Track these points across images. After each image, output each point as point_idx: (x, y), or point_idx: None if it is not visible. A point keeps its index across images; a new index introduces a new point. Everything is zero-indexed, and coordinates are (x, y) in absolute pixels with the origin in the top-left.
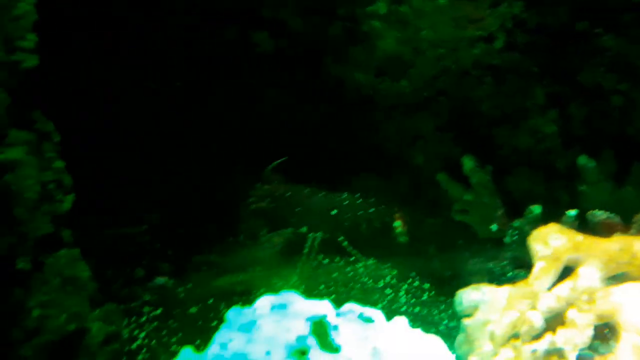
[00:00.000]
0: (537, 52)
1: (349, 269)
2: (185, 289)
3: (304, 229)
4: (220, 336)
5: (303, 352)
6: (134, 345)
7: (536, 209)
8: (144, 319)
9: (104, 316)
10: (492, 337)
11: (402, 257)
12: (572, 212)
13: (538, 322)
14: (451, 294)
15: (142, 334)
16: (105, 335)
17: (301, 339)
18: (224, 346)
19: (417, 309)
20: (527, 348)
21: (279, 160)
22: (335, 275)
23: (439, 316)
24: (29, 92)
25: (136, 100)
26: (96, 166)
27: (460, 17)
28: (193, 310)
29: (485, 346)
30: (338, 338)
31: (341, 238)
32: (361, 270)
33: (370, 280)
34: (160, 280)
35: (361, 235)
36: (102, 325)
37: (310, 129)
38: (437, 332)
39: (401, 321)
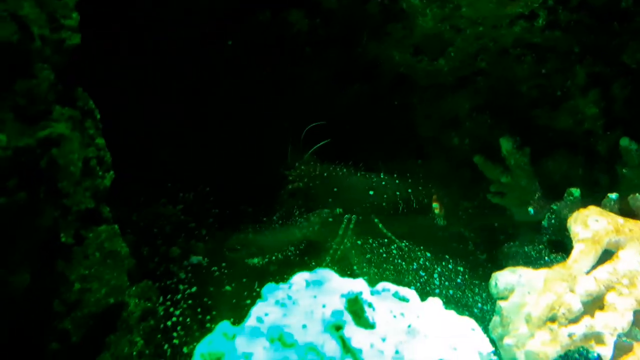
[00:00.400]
0: (580, 30)
1: (382, 250)
2: (220, 268)
3: (340, 210)
4: (257, 310)
5: (338, 328)
6: (169, 322)
7: (575, 191)
8: (179, 296)
9: (140, 293)
10: (528, 319)
11: (437, 240)
12: (613, 195)
13: (576, 305)
14: (486, 278)
15: (177, 312)
16: (142, 311)
17: (337, 314)
18: (260, 319)
19: (450, 292)
20: (564, 331)
21: (322, 143)
22: (368, 256)
23: (472, 299)
24: (72, 69)
25: (174, 79)
26: (135, 145)
27: None
28: (227, 288)
29: (521, 328)
30: (373, 315)
31: (376, 220)
32: (395, 252)
33: (404, 263)
34: (195, 259)
35: (397, 217)
36: (139, 302)
37: (346, 109)
38: (471, 315)
39: (435, 302)
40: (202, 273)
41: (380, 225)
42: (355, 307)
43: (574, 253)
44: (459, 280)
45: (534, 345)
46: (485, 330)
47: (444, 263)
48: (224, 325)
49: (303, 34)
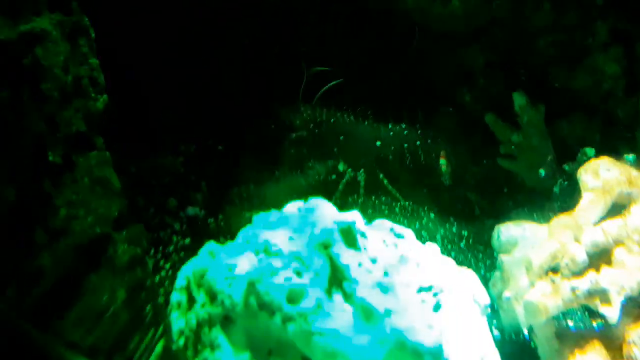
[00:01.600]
0: None
1: (385, 207)
2: (216, 220)
3: (344, 165)
4: (244, 231)
5: (327, 246)
6: (158, 277)
7: (590, 151)
8: (171, 248)
9: (130, 238)
10: (528, 267)
11: (443, 200)
12: (630, 157)
13: (580, 255)
14: (491, 243)
15: (168, 265)
16: (130, 257)
17: (326, 232)
18: (246, 238)
19: (453, 254)
20: (567, 284)
21: (334, 82)
22: (370, 212)
23: (476, 265)
24: None
25: (175, 27)
26: (135, 95)
27: None
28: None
29: (521, 280)
30: (365, 242)
31: (381, 176)
32: (398, 210)
33: (406, 221)
34: (192, 210)
35: (403, 171)
36: (127, 247)
37: (355, 59)
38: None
39: (433, 246)
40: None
41: (385, 181)
42: (348, 236)
43: (582, 202)
44: (462, 245)
45: (533, 296)
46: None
47: (447, 225)
48: (210, 245)
49: None
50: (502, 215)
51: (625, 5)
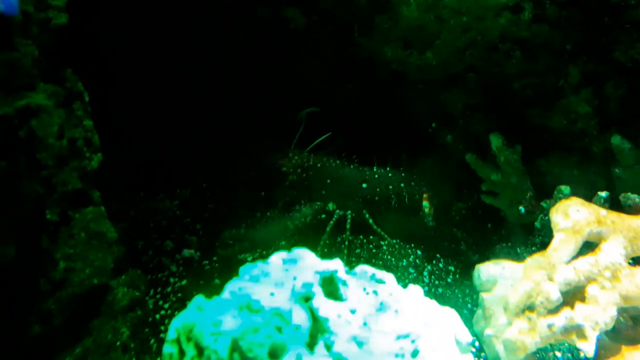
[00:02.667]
0: (570, 27)
1: (372, 245)
2: (211, 262)
3: (332, 204)
4: (231, 285)
5: (307, 299)
6: (158, 315)
7: (565, 189)
8: (169, 289)
9: (129, 281)
10: (505, 306)
11: (429, 238)
12: (603, 194)
13: (554, 294)
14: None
15: (167, 305)
16: (130, 300)
17: (307, 285)
18: (233, 293)
19: (440, 290)
20: (543, 321)
21: (323, 137)
22: (358, 251)
23: (463, 299)
24: (62, 50)
25: (172, 73)
26: (136, 141)
27: None
28: (217, 281)
29: (501, 318)
30: (345, 291)
31: (367, 215)
32: (385, 247)
33: (394, 259)
34: (188, 252)
35: (389, 212)
36: (127, 290)
37: (342, 104)
38: (461, 315)
39: (415, 289)
40: (193, 266)
41: (371, 221)
42: (329, 285)
43: (554, 242)
44: (449, 280)
45: (511, 333)
46: (471, 326)
47: (434, 262)
48: (198, 299)
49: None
50: (487, 250)
51: (593, 50)
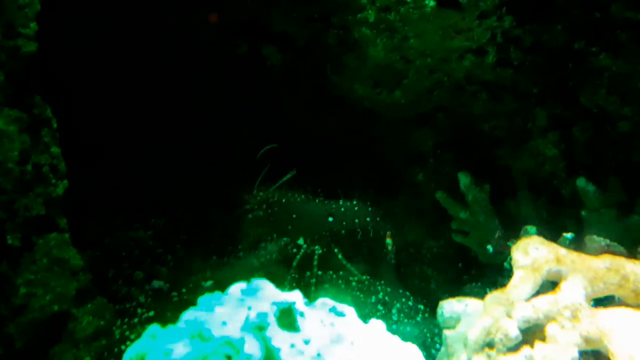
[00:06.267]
0: (536, 71)
1: (341, 281)
2: (180, 294)
3: (300, 239)
4: (186, 315)
5: (261, 328)
6: (123, 346)
7: (531, 229)
8: (136, 320)
9: (95, 310)
10: (465, 343)
11: (399, 275)
12: (569, 235)
13: (513, 331)
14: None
15: (133, 335)
16: (95, 329)
17: (261, 315)
18: (187, 322)
19: (408, 328)
20: (503, 359)
21: (289, 175)
22: (326, 286)
23: (431, 338)
24: (32, 78)
25: (150, 104)
26: (113, 169)
27: (446, 27)
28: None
29: (461, 356)
30: (302, 322)
31: (336, 250)
32: (354, 284)
33: (362, 295)
34: (157, 283)
35: (359, 248)
36: (93, 320)
37: (313, 140)
38: (429, 356)
39: (377, 323)
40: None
41: (340, 256)
42: (287, 316)
43: (513, 279)
44: (418, 319)
45: None
46: None
47: (403, 300)
48: (153, 328)
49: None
50: (457, 289)
51: (559, 94)
